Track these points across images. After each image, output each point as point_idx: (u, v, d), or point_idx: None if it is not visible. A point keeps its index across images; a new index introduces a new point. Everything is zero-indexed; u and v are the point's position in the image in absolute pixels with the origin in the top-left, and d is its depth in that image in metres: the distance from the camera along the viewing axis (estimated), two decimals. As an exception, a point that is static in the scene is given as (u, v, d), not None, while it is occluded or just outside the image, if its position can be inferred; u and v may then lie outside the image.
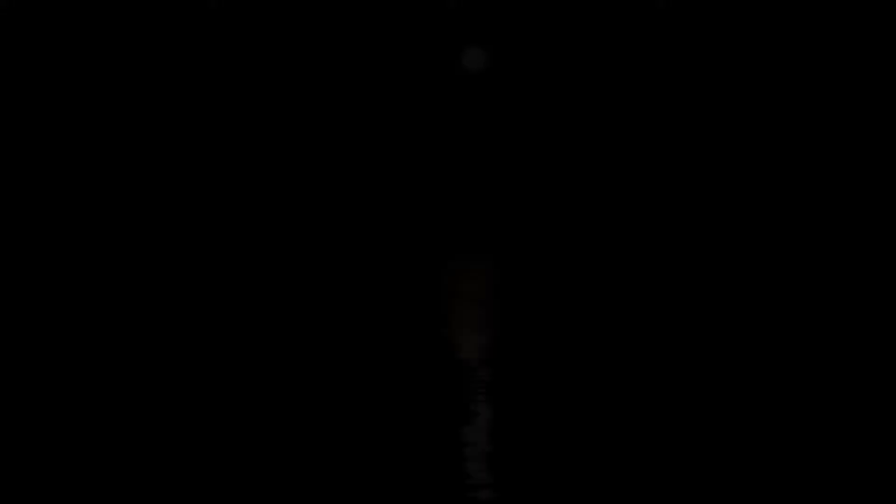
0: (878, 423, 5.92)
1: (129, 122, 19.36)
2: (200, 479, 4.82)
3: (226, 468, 5.02)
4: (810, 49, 18.84)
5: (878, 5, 18.42)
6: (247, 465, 5.06)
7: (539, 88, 19.80)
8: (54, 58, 19.14)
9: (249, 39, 19.50)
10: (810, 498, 4.55)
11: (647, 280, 14.03)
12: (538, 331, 9.46)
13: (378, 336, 9.11)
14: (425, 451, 5.33)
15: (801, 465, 5.06)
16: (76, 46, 19.10)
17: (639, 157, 19.60)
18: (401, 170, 19.90)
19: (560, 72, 19.70)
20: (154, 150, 19.41)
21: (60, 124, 19.19)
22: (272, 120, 19.74)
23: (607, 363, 7.83)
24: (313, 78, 19.70)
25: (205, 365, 7.75)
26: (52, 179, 19.06)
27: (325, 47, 19.59)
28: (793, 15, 18.79)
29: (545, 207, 19.88)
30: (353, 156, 19.82)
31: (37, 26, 19.01)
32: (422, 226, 20.00)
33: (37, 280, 13.79)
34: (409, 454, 5.26)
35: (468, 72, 19.37)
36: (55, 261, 16.38)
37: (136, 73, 19.35)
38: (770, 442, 5.49)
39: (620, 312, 10.68)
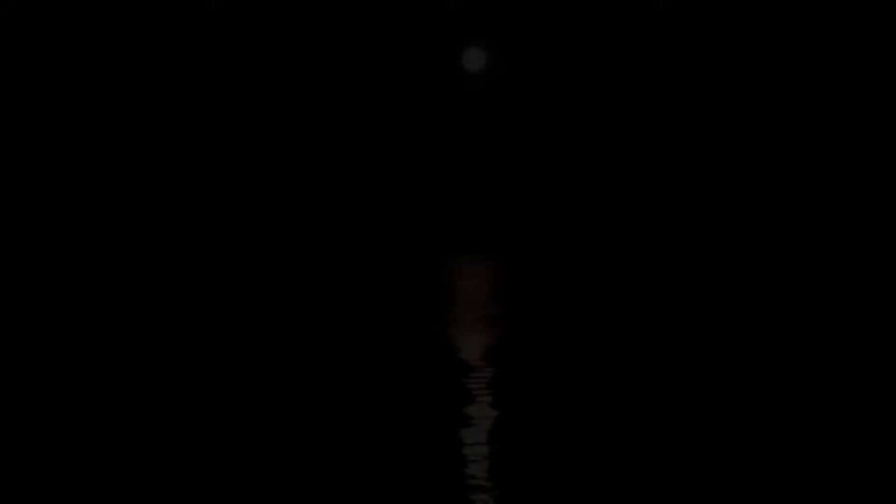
0: (878, 423, 5.92)
1: (129, 121, 19.36)
2: (200, 480, 4.82)
3: (225, 469, 5.01)
4: (810, 49, 18.84)
5: (878, 5, 18.42)
6: (246, 466, 5.06)
7: (539, 88, 19.79)
8: (54, 58, 19.14)
9: (249, 39, 19.49)
10: (810, 498, 4.55)
11: (648, 280, 14.03)
12: (538, 330, 9.45)
13: (378, 336, 9.10)
14: (425, 451, 5.32)
15: (802, 465, 5.05)
16: (76, 46, 19.09)
17: (639, 156, 19.60)
18: (401, 169, 19.90)
19: (560, 72, 19.70)
20: (154, 150, 19.41)
21: (60, 124, 19.19)
22: (272, 120, 19.74)
23: (608, 363, 7.82)
24: (313, 78, 19.70)
25: (203, 366, 7.74)
26: (52, 179, 19.06)
27: (325, 47, 19.59)
28: (793, 15, 18.79)
29: (545, 207, 19.88)
30: (353, 156, 19.82)
31: (37, 26, 19.01)
32: (422, 225, 20.00)
33: (37, 280, 13.79)
34: (408, 455, 5.26)
35: (468, 72, 19.38)
36: (55, 261, 16.38)
37: (136, 73, 19.35)
38: (770, 442, 5.49)
39: (621, 312, 10.67)
